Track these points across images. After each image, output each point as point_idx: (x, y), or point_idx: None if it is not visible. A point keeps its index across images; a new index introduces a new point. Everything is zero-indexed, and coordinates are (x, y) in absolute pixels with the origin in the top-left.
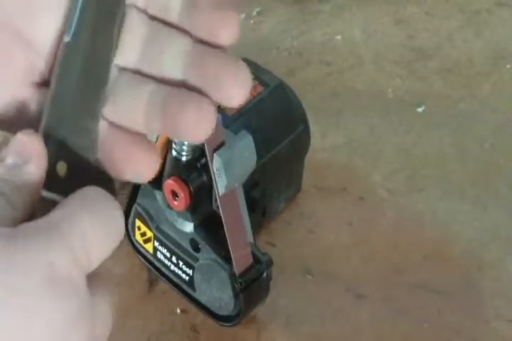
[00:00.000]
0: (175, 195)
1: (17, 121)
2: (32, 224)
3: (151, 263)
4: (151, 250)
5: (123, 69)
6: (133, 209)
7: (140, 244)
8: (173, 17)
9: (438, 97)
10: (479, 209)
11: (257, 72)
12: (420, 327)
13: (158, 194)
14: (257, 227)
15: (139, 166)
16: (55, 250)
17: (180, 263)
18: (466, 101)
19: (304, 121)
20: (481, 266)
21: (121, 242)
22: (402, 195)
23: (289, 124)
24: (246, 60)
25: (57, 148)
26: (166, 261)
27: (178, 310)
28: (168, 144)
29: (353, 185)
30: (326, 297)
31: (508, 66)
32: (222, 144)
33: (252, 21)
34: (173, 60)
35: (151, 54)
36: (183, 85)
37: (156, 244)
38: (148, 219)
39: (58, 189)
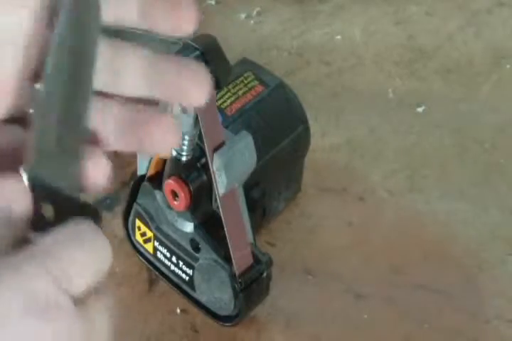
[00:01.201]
0: (175, 195)
1: None
2: (11, 257)
3: (151, 263)
4: (151, 250)
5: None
6: (133, 209)
7: (140, 244)
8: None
9: (438, 97)
10: (479, 209)
11: (257, 72)
12: (420, 327)
13: (158, 194)
14: (257, 227)
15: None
16: (32, 277)
17: (180, 263)
18: (466, 101)
19: (304, 121)
20: (481, 266)
21: (121, 242)
22: (402, 195)
23: (289, 124)
24: (246, 60)
25: (41, 190)
26: (166, 261)
27: (178, 310)
28: None
29: (353, 185)
30: (326, 297)
31: (508, 66)
32: (222, 144)
33: (252, 21)
34: (133, 78)
35: (111, 76)
36: (147, 98)
37: (156, 244)
38: (148, 219)
39: (47, 231)
